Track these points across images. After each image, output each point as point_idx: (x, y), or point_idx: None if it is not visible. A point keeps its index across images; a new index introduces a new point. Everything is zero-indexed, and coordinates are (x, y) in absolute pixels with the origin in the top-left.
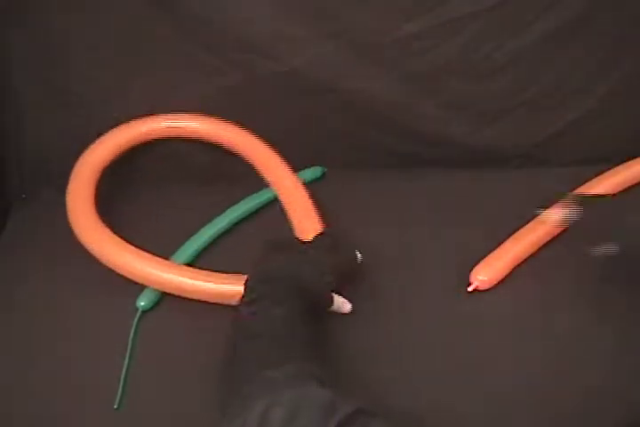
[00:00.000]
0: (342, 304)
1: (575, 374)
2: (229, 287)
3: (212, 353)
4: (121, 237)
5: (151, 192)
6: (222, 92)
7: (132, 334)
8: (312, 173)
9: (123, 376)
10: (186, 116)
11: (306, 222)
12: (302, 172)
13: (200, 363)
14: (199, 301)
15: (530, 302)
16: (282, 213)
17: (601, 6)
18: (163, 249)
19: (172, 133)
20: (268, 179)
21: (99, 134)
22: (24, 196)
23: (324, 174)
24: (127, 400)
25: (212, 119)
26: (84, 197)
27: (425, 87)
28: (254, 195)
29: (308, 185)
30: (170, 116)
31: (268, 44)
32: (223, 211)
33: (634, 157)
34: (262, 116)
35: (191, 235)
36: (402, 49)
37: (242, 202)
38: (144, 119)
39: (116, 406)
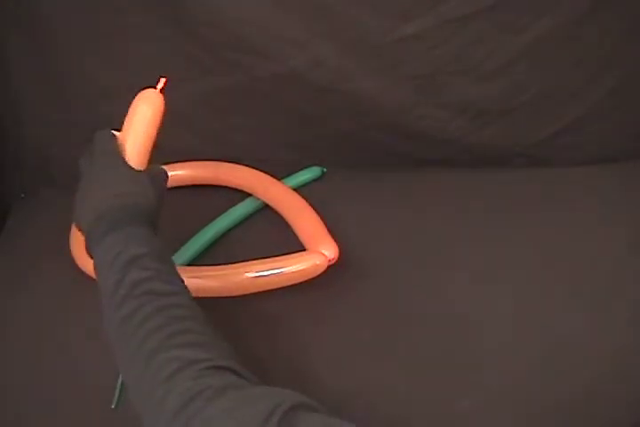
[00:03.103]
0: None
1: (576, 373)
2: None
3: None
4: None
5: None
6: (222, 92)
7: None
8: (312, 173)
9: (121, 376)
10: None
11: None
12: (302, 172)
13: None
14: (197, 300)
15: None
16: (277, 217)
17: (601, 6)
18: None
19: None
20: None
21: None
22: (23, 195)
23: (323, 174)
24: (125, 400)
25: (204, 164)
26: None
27: (425, 87)
28: (251, 198)
29: (308, 185)
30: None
31: (267, 45)
32: (221, 214)
33: (634, 156)
34: (262, 116)
35: (190, 237)
36: (402, 49)
37: (238, 205)
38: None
39: (113, 406)
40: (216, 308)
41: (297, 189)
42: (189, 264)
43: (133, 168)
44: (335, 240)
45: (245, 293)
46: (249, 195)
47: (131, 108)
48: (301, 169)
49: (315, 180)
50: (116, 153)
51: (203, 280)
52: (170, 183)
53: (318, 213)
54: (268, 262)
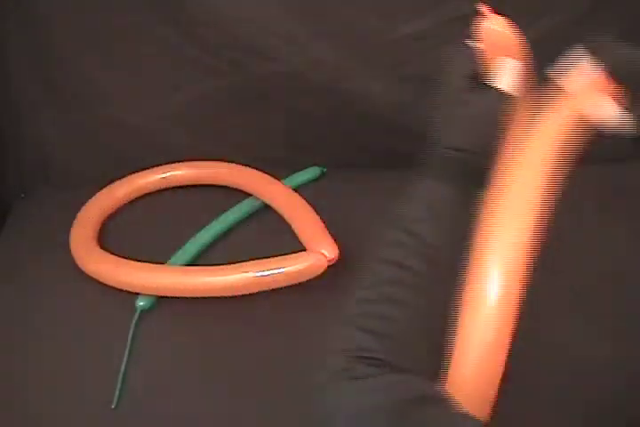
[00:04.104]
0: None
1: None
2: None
3: (209, 353)
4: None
5: (149, 195)
6: (222, 92)
7: (130, 334)
8: (312, 173)
9: (121, 376)
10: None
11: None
12: (302, 172)
13: (198, 362)
14: (198, 301)
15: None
16: (277, 217)
17: (601, 6)
18: (160, 252)
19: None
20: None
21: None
22: (23, 195)
23: (323, 174)
24: (125, 400)
25: (204, 164)
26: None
27: (425, 87)
28: (251, 198)
29: (308, 185)
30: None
31: (267, 45)
32: (221, 214)
33: (634, 156)
34: (262, 117)
35: (190, 237)
36: (401, 49)
37: (238, 205)
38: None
39: (114, 406)
40: (216, 308)
41: (297, 189)
42: (189, 264)
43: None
44: (335, 240)
45: (245, 293)
46: (249, 195)
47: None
48: (301, 169)
49: (315, 180)
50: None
51: (203, 280)
52: (170, 183)
53: (318, 213)
54: (268, 262)
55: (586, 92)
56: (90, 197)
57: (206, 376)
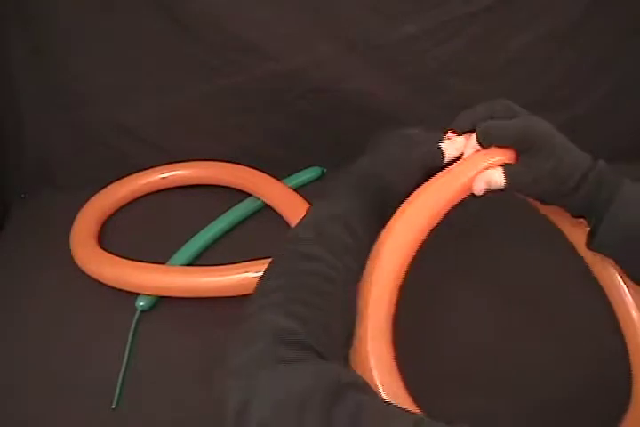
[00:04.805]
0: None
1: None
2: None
3: (210, 353)
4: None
5: (149, 195)
6: (222, 92)
7: (131, 334)
8: (312, 173)
9: (121, 376)
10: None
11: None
12: (302, 172)
13: (198, 363)
14: (198, 301)
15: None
16: (277, 217)
17: (600, 6)
18: (160, 252)
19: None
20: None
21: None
22: (23, 195)
23: (323, 174)
24: (125, 400)
25: (204, 164)
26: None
27: (425, 87)
28: (251, 198)
29: (308, 185)
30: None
31: (268, 45)
32: (221, 214)
33: (634, 156)
34: (262, 117)
35: (191, 237)
36: (402, 49)
37: (238, 205)
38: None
39: (113, 407)
40: (216, 308)
41: (297, 189)
42: (189, 264)
43: None
44: None
45: (245, 293)
46: (249, 195)
47: None
48: (301, 169)
49: (315, 180)
50: None
51: (203, 280)
52: (170, 183)
53: None
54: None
55: (473, 160)
56: (90, 197)
57: (206, 376)
